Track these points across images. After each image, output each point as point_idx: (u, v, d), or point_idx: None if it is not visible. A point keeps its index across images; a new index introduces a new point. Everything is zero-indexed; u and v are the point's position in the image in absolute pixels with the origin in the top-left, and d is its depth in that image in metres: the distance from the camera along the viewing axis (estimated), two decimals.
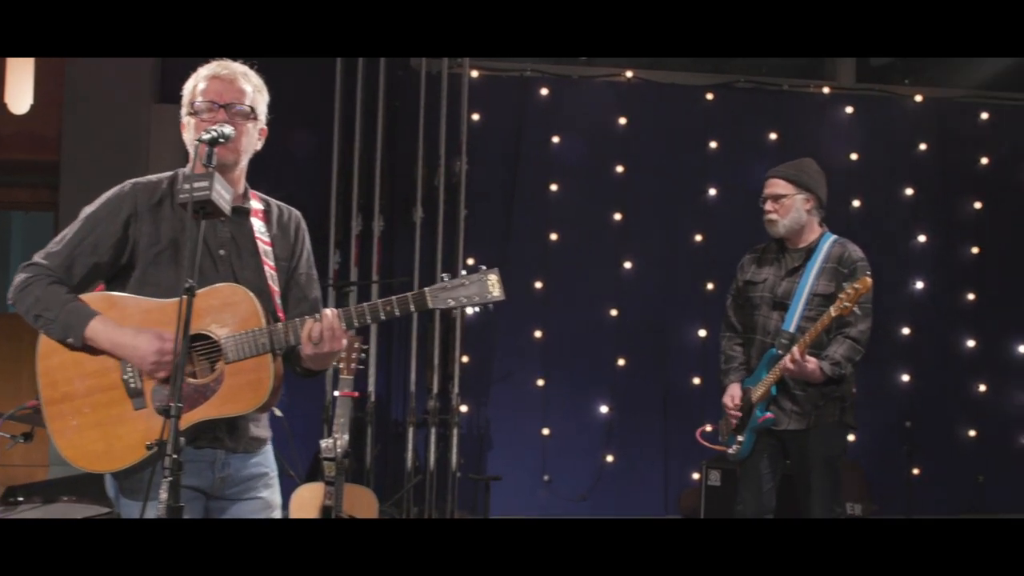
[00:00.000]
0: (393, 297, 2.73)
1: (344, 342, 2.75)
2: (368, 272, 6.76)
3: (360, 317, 2.73)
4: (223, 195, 2.53)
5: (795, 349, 4.23)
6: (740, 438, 4.50)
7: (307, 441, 6.12)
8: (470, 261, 6.98)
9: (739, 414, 4.48)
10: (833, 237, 4.48)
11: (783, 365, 4.27)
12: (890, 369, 7.47)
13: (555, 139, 7.17)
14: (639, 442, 7.22)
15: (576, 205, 7.18)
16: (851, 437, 7.10)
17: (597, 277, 7.21)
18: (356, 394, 4.39)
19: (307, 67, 6.40)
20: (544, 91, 7.16)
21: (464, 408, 6.98)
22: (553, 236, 7.16)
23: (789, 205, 4.44)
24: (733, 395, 4.53)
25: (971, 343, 7.59)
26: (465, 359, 7.00)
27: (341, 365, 4.41)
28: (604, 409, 7.20)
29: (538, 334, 7.16)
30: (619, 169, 7.23)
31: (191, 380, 2.67)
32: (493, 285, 2.74)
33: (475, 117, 7.07)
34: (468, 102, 6.95)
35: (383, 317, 2.73)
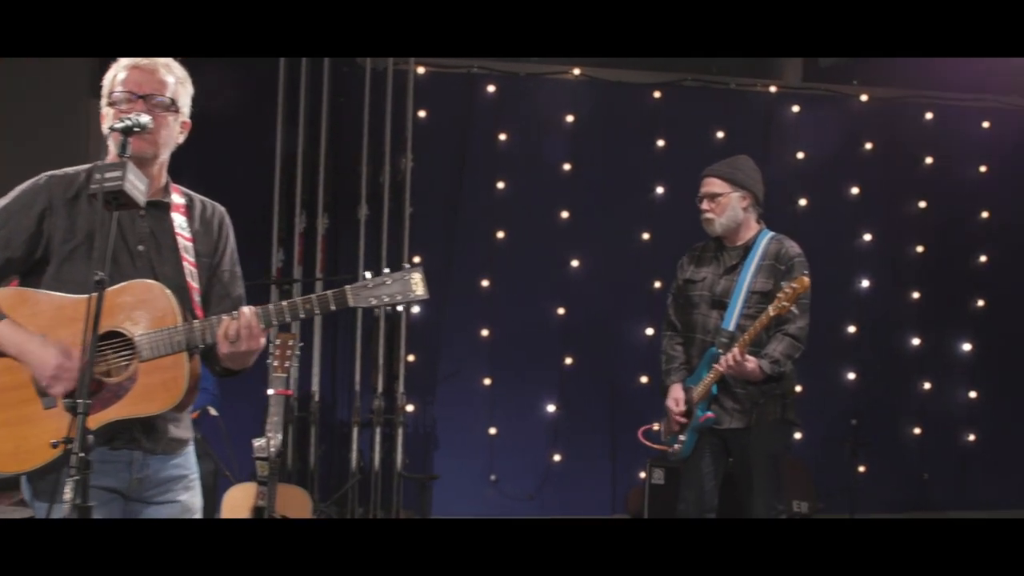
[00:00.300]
0: (313, 295, 2.67)
1: (262, 341, 2.68)
2: (312, 270, 6.67)
3: (279, 315, 2.66)
4: (137, 186, 2.45)
5: (735, 348, 4.22)
6: (682, 437, 4.49)
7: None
8: (416, 259, 6.95)
9: (685, 420, 4.46)
10: (770, 234, 4.48)
11: (723, 364, 4.26)
12: (835, 367, 7.51)
13: (502, 136, 7.12)
14: (586, 441, 7.19)
15: (523, 203, 7.12)
16: (797, 435, 7.23)
17: (544, 275, 7.17)
18: (290, 392, 4.32)
19: (250, 61, 6.30)
20: (491, 88, 7.11)
21: (410, 407, 6.93)
22: (500, 234, 7.11)
23: (725, 203, 4.44)
24: (677, 398, 4.51)
25: (916, 341, 7.64)
26: (411, 358, 6.94)
27: (275, 363, 4.34)
28: (551, 408, 7.17)
29: (485, 333, 7.10)
30: (566, 167, 7.19)
31: (102, 379, 2.59)
32: (416, 283, 2.69)
33: (421, 114, 7.00)
34: (414, 99, 6.88)
35: (303, 315, 2.67)
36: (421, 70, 6.94)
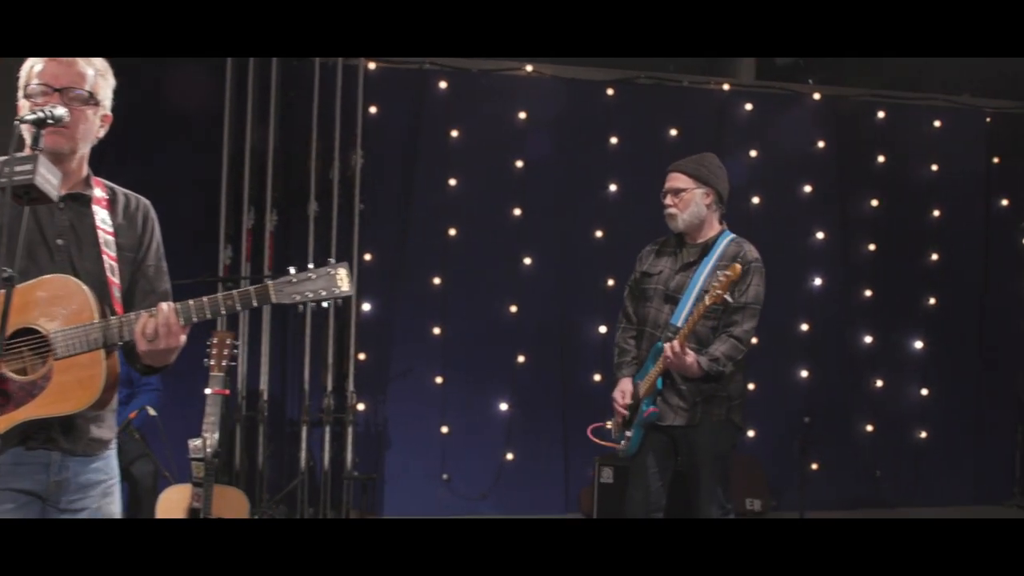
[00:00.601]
0: (235, 291, 2.60)
1: (183, 339, 2.61)
2: (261, 267, 6.58)
3: (199, 311, 2.59)
4: (49, 179, 2.37)
5: (675, 340, 4.20)
6: (628, 433, 4.46)
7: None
8: (367, 257, 6.92)
9: (626, 412, 4.44)
10: (732, 236, 4.46)
11: (663, 356, 4.24)
12: (789, 365, 7.53)
13: (454, 133, 7.05)
14: (540, 440, 7.16)
15: (475, 200, 7.07)
16: (751, 433, 7.29)
17: (496, 273, 7.12)
18: (227, 392, 4.24)
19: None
20: (443, 84, 7.05)
21: (361, 406, 6.86)
22: (452, 231, 7.05)
23: (689, 199, 4.40)
24: (624, 390, 4.48)
25: (868, 339, 7.68)
26: (362, 356, 6.88)
27: (212, 363, 4.26)
28: (504, 406, 7.12)
29: (437, 331, 7.04)
30: (519, 164, 7.14)
31: (15, 377, 2.51)
32: (341, 279, 2.62)
33: (372, 110, 6.92)
34: (365, 94, 6.81)
35: (223, 312, 2.60)
36: (372, 66, 6.87)
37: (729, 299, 4.14)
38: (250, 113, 6.52)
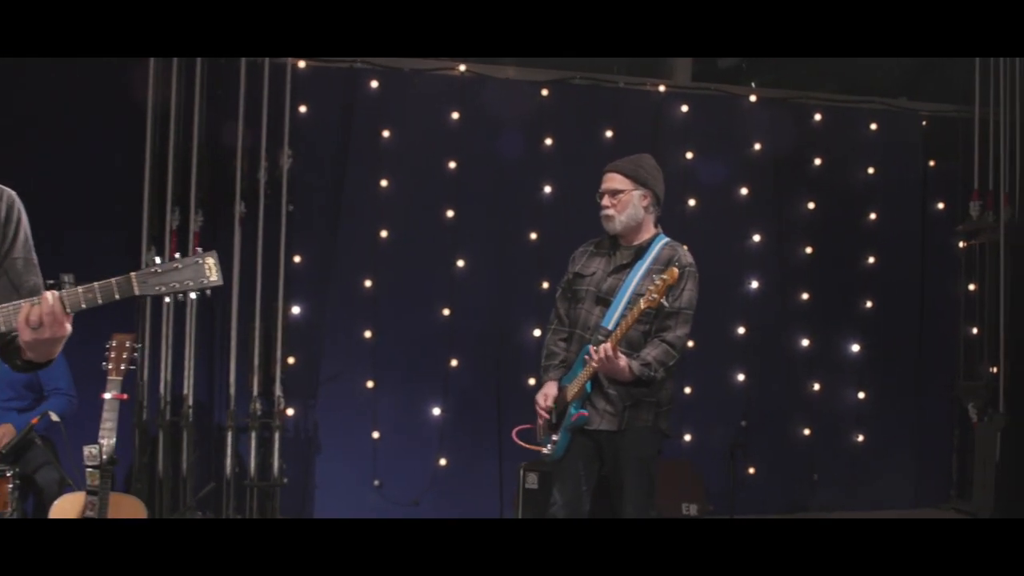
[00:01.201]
0: (96, 283, 2.48)
1: (68, 327, 2.50)
2: None
3: (88, 299, 2.47)
4: None
5: (606, 343, 4.12)
6: (555, 437, 4.38)
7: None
8: (296, 258, 6.82)
9: (548, 416, 4.36)
10: (666, 239, 4.39)
11: (593, 360, 4.16)
12: (725, 368, 7.48)
13: (385, 133, 6.94)
14: (473, 444, 7.05)
15: (407, 201, 6.96)
16: (688, 437, 7.24)
17: (429, 275, 7.02)
18: (125, 396, 4.10)
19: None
20: (374, 84, 6.94)
21: (290, 411, 6.74)
22: (383, 233, 6.93)
23: (627, 201, 4.33)
24: (547, 393, 4.41)
25: (805, 342, 7.65)
26: (291, 360, 6.76)
27: (110, 366, 4.11)
28: (437, 411, 7.02)
29: (368, 334, 6.93)
30: (451, 165, 7.04)
31: None
32: (210, 269, 2.51)
33: (302, 109, 6.80)
34: (294, 93, 6.69)
35: (83, 305, 2.48)
36: (301, 64, 6.75)
37: (665, 304, 4.08)
38: (174, 110, 6.38)
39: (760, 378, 7.51)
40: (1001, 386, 7.26)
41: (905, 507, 7.65)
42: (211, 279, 2.51)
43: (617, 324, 4.18)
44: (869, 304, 7.75)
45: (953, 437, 7.81)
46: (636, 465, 4.26)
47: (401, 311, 6.94)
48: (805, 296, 7.66)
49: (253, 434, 6.47)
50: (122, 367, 4.04)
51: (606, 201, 4.36)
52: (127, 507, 4.00)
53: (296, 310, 6.80)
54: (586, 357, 4.20)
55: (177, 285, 2.50)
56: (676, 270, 4.08)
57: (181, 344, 6.42)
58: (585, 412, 4.25)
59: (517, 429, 4.56)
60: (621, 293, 4.25)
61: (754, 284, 7.54)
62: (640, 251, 4.33)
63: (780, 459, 7.51)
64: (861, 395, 7.72)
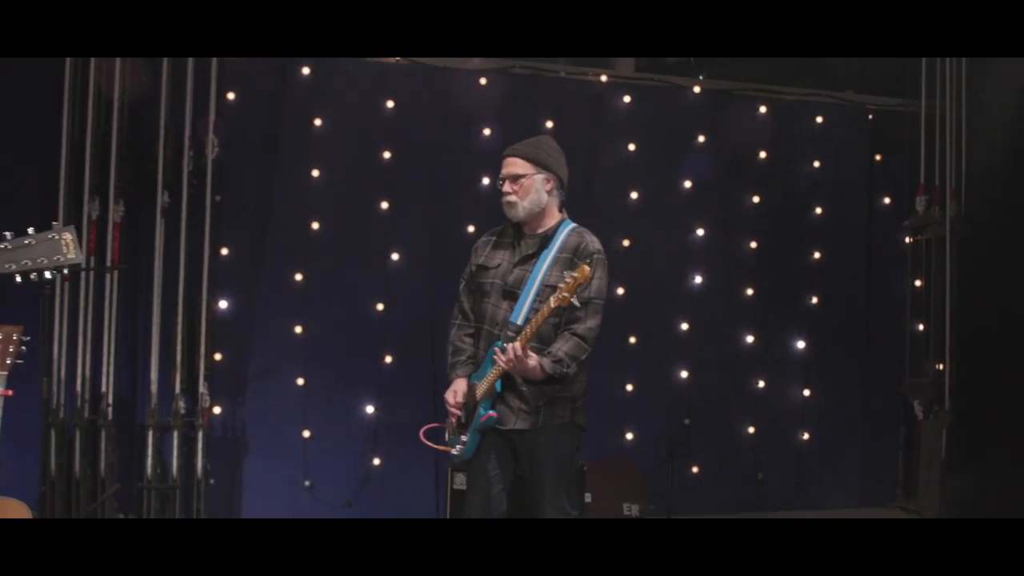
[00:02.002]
0: None
1: None
2: (105, 261, 6.18)
3: None
4: None
5: (515, 343, 3.92)
6: (464, 438, 4.16)
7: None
8: (224, 251, 6.61)
9: (459, 413, 4.16)
10: (572, 225, 4.19)
11: (502, 358, 3.96)
12: (668, 365, 7.36)
13: (317, 121, 6.73)
14: (408, 443, 6.69)
15: (340, 192, 6.75)
16: (630, 436, 7.09)
17: (362, 269, 6.82)
18: (10, 392, 3.83)
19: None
20: (305, 71, 6.72)
21: (217, 409, 6.53)
22: (315, 225, 6.73)
23: (529, 186, 4.12)
24: (456, 390, 4.19)
25: (750, 339, 7.54)
26: (218, 356, 6.54)
27: None
28: (370, 409, 6.82)
29: (298, 329, 6.72)
30: (386, 155, 6.84)
31: None
32: (67, 246, 2.30)
33: (230, 96, 6.58)
34: (221, 79, 6.45)
35: None
36: None
37: (576, 302, 3.89)
38: (92, 97, 6.12)
39: (704, 375, 7.39)
40: (947, 383, 7.20)
41: (852, 506, 7.57)
42: (68, 256, 2.30)
43: (527, 320, 3.99)
44: (815, 300, 7.66)
45: (899, 435, 7.72)
46: (554, 465, 4.07)
47: (333, 305, 6.74)
48: (750, 292, 7.55)
49: (176, 433, 6.21)
50: (8, 361, 3.77)
51: (507, 187, 4.15)
52: (7, 510, 3.74)
53: (224, 304, 6.58)
54: (495, 356, 4.00)
55: (29, 263, 2.29)
56: (587, 268, 3.88)
57: (99, 338, 6.16)
58: (494, 413, 4.06)
59: (425, 428, 4.34)
60: (528, 285, 4.04)
61: (698, 279, 7.42)
62: (545, 239, 4.14)
63: (724, 458, 7.40)
64: (806, 392, 7.63)
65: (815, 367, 7.62)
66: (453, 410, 4.16)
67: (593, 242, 4.11)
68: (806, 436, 7.61)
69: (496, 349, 3.97)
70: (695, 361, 7.37)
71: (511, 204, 4.14)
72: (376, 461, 6.82)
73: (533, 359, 3.93)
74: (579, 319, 4.03)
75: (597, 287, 4.06)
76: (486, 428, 4.10)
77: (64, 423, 6.01)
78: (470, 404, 4.12)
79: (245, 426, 6.64)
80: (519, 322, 4.00)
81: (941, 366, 7.29)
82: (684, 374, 7.36)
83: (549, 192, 4.15)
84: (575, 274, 3.83)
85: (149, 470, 6.19)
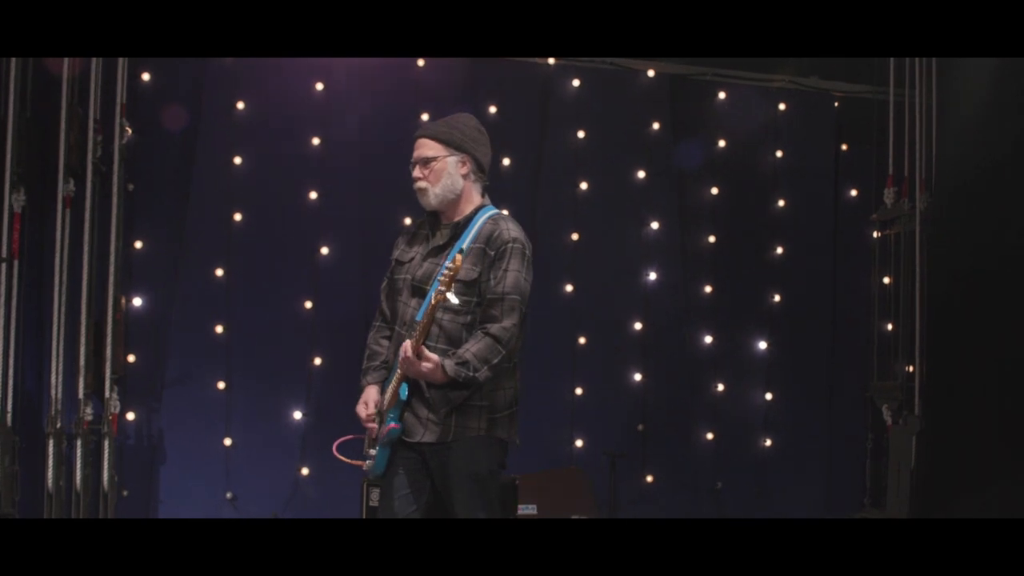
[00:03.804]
0: None
1: None
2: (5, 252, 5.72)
3: None
4: None
5: (407, 343, 3.50)
6: (372, 452, 3.75)
7: None
8: (138, 244, 6.30)
9: (374, 425, 3.73)
10: (491, 212, 3.78)
11: (399, 359, 3.56)
12: (621, 367, 7.08)
13: (240, 105, 6.41)
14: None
15: (264, 182, 6.44)
16: (579, 443, 6.73)
17: (289, 264, 6.52)
18: None
19: None
20: None
21: (130, 416, 6.20)
22: (237, 216, 6.42)
23: (440, 169, 3.73)
24: (367, 400, 3.79)
25: (708, 339, 7.28)
26: (131, 358, 6.22)
27: None
28: (297, 415, 6.47)
29: (219, 329, 6.41)
30: (315, 142, 6.53)
31: None
32: None
33: (145, 77, 6.25)
34: (134, 58, 6.04)
35: None
36: None
37: (454, 299, 3.46)
38: None
39: (659, 378, 7.12)
40: (917, 387, 6.88)
41: (816, 516, 7.22)
42: None
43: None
44: (777, 298, 7.39)
45: (866, 441, 7.39)
46: (467, 483, 3.64)
47: (257, 303, 6.43)
48: (708, 289, 7.28)
49: (79, 441, 5.76)
50: None
51: (417, 172, 3.77)
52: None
53: (138, 302, 6.25)
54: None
55: None
56: (460, 257, 3.46)
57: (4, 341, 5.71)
58: (396, 424, 3.65)
59: (339, 441, 3.95)
60: (436, 280, 3.62)
61: (652, 276, 7.14)
62: (458, 229, 3.74)
63: (681, 466, 7.13)
64: (768, 396, 7.37)
65: (777, 369, 7.35)
66: (368, 423, 3.73)
67: (509, 230, 3.70)
68: (768, 443, 7.34)
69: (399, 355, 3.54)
70: (649, 363, 7.08)
71: (422, 190, 3.77)
72: (304, 471, 6.44)
73: (430, 361, 3.51)
74: (494, 317, 3.62)
75: (514, 281, 3.65)
76: (392, 441, 3.66)
77: None
78: (379, 412, 3.73)
79: (162, 433, 6.32)
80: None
81: (911, 368, 7.00)
82: (637, 377, 7.07)
83: (464, 176, 3.76)
84: (449, 265, 3.45)
85: (50, 482, 5.71)
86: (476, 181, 3.79)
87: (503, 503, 3.99)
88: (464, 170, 3.75)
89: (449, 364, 3.52)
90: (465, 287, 3.61)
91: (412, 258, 3.79)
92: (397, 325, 3.76)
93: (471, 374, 3.54)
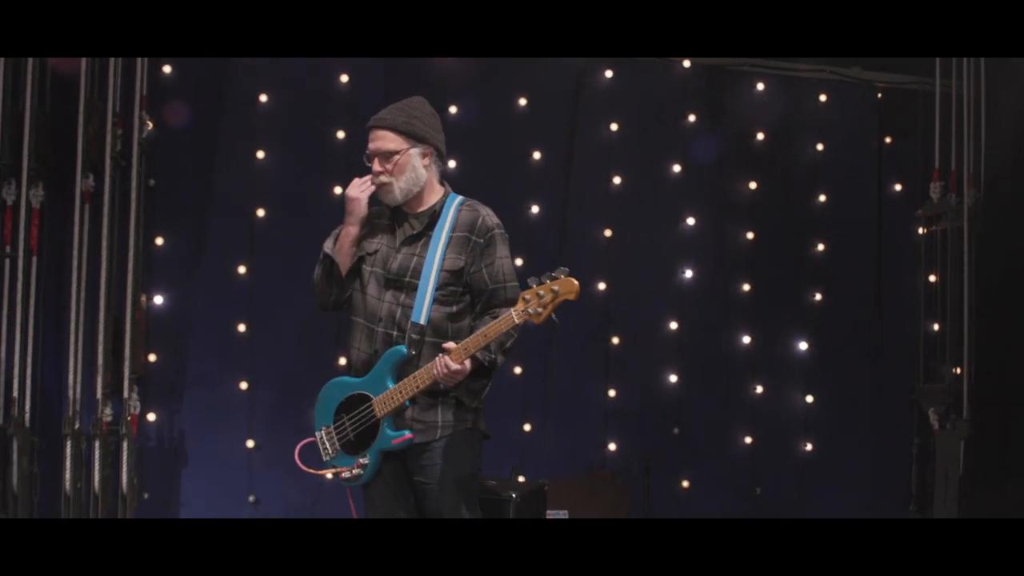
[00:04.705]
0: None
1: None
2: (24, 249, 5.65)
3: None
4: None
5: (447, 357, 3.43)
6: (364, 460, 3.62)
7: None
8: (158, 241, 6.29)
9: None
10: (460, 198, 3.71)
11: (436, 373, 3.44)
12: (656, 369, 6.98)
13: (263, 98, 6.34)
14: None
15: (289, 176, 6.36)
16: (612, 447, 6.60)
17: (313, 261, 6.16)
18: None
19: None
20: None
21: (151, 416, 6.11)
22: (260, 212, 6.34)
23: (404, 163, 3.63)
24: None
25: (746, 339, 7.16)
26: (152, 357, 6.12)
27: None
28: None
29: (242, 328, 6.33)
30: (340, 135, 6.43)
31: None
32: None
33: (166, 69, 6.16)
34: None
35: None
36: None
37: (489, 282, 3.49)
38: (2, 68, 5.55)
39: (695, 380, 7.02)
40: (965, 389, 6.71)
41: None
42: None
43: (429, 315, 3.52)
44: (818, 297, 7.27)
45: (912, 446, 7.20)
46: (455, 478, 3.59)
47: (281, 301, 6.30)
48: (746, 287, 7.17)
49: (97, 443, 5.64)
50: None
51: (377, 166, 3.64)
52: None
53: (159, 300, 6.20)
54: (425, 374, 3.50)
55: None
56: (574, 280, 3.39)
57: (10, 337, 5.65)
58: (411, 434, 3.54)
59: (301, 444, 3.84)
60: (426, 272, 3.56)
61: (688, 273, 7.05)
62: (433, 217, 3.65)
63: (718, 471, 7.00)
64: (809, 399, 7.24)
65: (818, 371, 7.23)
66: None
67: (489, 215, 3.68)
68: (809, 447, 7.21)
69: (436, 365, 3.45)
70: (685, 364, 7.00)
71: (385, 187, 3.64)
72: (329, 475, 6.24)
73: (467, 365, 3.47)
74: (499, 304, 3.60)
75: (509, 268, 3.70)
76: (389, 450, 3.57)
77: None
78: (364, 417, 3.59)
79: (183, 435, 6.25)
80: (421, 320, 3.53)
81: (958, 370, 6.82)
82: (673, 379, 6.97)
83: (427, 166, 3.69)
84: (555, 288, 3.34)
85: (68, 484, 5.60)
86: (436, 169, 3.73)
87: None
88: (426, 161, 3.69)
89: (481, 353, 3.48)
90: (453, 277, 3.57)
91: (377, 249, 3.68)
92: (362, 319, 3.66)
93: (493, 357, 3.53)
